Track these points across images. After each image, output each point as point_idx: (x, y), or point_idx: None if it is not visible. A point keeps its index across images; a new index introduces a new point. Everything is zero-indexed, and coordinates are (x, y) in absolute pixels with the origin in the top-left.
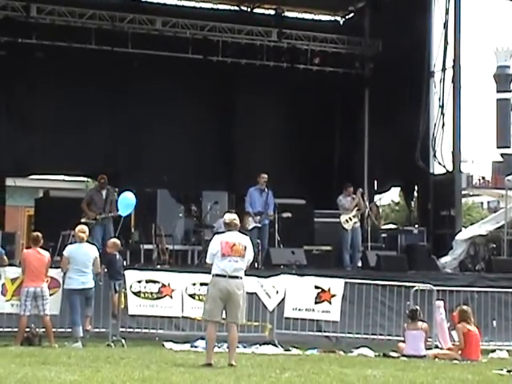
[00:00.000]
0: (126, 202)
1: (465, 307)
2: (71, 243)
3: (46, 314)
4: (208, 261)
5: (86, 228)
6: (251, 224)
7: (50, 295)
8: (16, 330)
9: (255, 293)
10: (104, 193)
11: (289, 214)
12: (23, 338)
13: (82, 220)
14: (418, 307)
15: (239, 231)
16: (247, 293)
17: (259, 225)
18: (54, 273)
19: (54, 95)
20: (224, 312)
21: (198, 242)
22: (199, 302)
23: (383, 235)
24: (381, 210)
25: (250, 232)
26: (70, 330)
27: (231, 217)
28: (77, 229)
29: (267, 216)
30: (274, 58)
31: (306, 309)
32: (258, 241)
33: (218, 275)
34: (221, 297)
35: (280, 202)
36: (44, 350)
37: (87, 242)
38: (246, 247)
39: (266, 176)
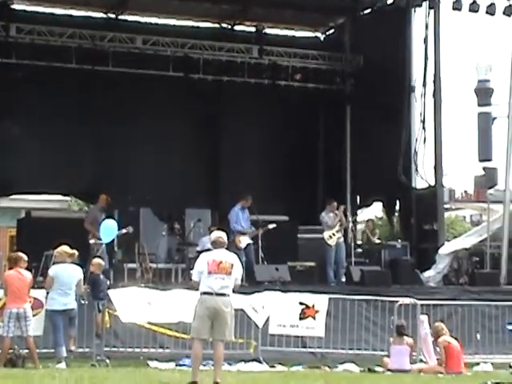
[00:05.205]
0: (108, 228)
1: (437, 324)
2: (55, 263)
3: (30, 335)
4: (195, 278)
5: (67, 248)
6: (244, 242)
7: (33, 316)
8: None
9: (241, 309)
10: (104, 214)
11: (274, 225)
12: (6, 360)
13: (91, 241)
14: (404, 322)
15: (227, 249)
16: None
17: (251, 241)
18: (37, 293)
19: (35, 115)
20: (211, 330)
21: (181, 260)
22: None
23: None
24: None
25: (244, 251)
26: (53, 350)
27: (217, 234)
28: (60, 248)
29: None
30: (256, 74)
31: (291, 325)
32: (244, 259)
33: (205, 293)
34: (208, 315)
35: (264, 218)
36: (28, 372)
37: (72, 262)
38: (232, 265)
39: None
